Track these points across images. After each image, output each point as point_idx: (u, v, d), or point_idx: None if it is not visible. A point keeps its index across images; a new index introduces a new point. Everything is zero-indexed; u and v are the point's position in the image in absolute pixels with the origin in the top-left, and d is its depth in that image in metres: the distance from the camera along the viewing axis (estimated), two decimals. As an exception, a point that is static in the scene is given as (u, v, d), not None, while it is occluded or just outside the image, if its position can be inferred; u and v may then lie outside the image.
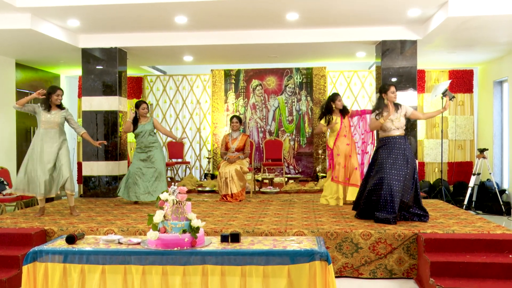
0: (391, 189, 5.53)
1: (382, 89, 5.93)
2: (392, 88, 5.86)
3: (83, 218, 6.19)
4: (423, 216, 5.75)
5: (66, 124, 6.46)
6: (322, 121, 7.19)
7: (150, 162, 7.36)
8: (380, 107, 5.91)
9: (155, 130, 7.49)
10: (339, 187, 7.12)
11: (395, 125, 5.79)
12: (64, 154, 6.28)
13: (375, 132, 7.11)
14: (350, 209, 6.66)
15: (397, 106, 5.91)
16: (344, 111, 7.18)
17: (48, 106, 6.31)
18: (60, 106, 6.41)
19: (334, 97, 7.19)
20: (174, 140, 8.71)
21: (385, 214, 5.52)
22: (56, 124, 6.31)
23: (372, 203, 5.72)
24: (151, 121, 7.48)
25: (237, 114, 10.98)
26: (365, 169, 6.91)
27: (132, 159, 7.59)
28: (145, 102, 7.56)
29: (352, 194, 7.05)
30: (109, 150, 8.55)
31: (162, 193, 3.70)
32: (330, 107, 7.14)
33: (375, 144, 6.65)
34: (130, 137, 11.23)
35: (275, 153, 10.06)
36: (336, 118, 7.11)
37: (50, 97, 6.30)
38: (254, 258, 3.48)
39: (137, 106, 7.51)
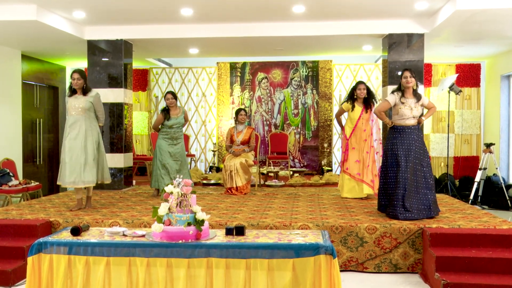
0: (405, 184, 5.41)
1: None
2: (405, 73, 5.53)
3: (88, 210, 6.22)
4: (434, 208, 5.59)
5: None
6: (344, 105, 7.10)
7: (177, 155, 7.19)
8: (397, 89, 5.66)
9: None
10: (349, 179, 6.97)
11: (413, 114, 5.52)
12: (90, 146, 6.04)
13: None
14: (355, 203, 6.65)
15: (417, 95, 5.58)
16: (367, 103, 6.98)
17: (72, 92, 6.14)
18: (85, 91, 6.10)
19: (357, 85, 7.03)
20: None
21: (398, 210, 5.39)
22: (80, 110, 6.00)
23: (387, 197, 5.61)
24: (182, 113, 7.27)
25: (243, 107, 10.95)
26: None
27: (157, 150, 7.24)
28: (169, 92, 7.26)
29: (369, 190, 6.88)
30: (115, 142, 8.56)
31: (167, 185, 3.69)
32: (352, 94, 7.01)
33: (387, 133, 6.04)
34: (136, 129, 11.26)
35: (280, 147, 10.05)
36: (357, 107, 6.95)
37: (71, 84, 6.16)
38: (258, 252, 3.47)
39: (164, 97, 7.43)
